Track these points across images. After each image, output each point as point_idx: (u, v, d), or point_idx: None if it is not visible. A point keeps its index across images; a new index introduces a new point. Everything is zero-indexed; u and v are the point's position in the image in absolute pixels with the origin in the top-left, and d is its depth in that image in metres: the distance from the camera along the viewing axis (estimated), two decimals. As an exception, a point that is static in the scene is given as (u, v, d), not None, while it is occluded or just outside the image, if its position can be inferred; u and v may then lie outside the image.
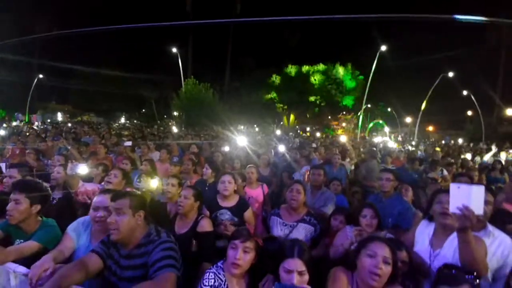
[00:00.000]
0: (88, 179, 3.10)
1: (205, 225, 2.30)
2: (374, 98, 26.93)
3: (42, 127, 13.75)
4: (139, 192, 1.79)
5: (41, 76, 28.17)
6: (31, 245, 1.71)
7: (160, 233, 1.61)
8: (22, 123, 17.05)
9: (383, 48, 21.45)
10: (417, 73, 34.07)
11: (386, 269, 1.43)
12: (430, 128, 40.24)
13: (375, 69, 21.50)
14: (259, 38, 36.58)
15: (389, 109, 36.78)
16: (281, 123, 28.17)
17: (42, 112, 30.79)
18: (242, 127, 28.31)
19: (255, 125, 29.05)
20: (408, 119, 35.33)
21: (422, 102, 25.70)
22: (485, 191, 1.82)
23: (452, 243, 1.72)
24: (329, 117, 25.04)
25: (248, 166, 3.71)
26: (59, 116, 28.55)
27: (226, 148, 6.74)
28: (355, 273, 1.53)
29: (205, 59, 33.64)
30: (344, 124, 22.96)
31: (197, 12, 31.11)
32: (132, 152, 6.13)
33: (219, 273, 1.58)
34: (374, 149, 7.08)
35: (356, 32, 36.17)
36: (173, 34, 28.92)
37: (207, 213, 2.70)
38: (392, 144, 10.61)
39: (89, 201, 2.54)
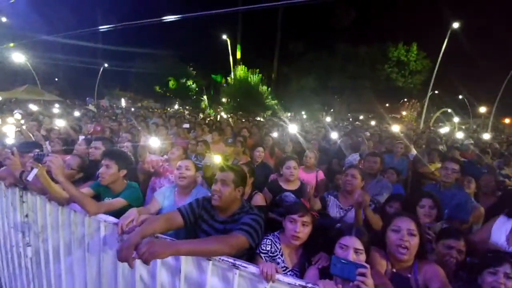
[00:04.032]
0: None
1: (258, 200, 2.48)
2: (442, 84, 23.75)
3: (110, 110, 15.80)
4: (244, 169, 1.93)
5: (106, 65, 31.91)
6: (120, 201, 2.07)
7: (252, 207, 1.80)
8: (94, 106, 19.72)
9: (455, 25, 18.62)
10: (494, 56, 28.92)
11: (413, 241, 1.46)
12: (507, 121, 34.17)
13: (444, 50, 18.87)
14: (309, 21, 34.96)
15: (460, 97, 32.23)
16: (332, 110, 26.94)
17: (109, 97, 34.99)
18: (289, 114, 28.02)
19: (303, 112, 28.43)
20: (482, 109, 30.55)
21: (499, 90, 21.87)
22: None
23: None
24: (387, 104, 22.79)
25: (308, 150, 3.76)
26: (122, 102, 32.14)
27: (275, 134, 6.89)
28: (387, 251, 1.57)
29: (254, 46, 33.73)
30: (404, 113, 20.64)
31: (247, -1, 30.94)
32: (188, 133, 6.71)
33: (275, 241, 1.70)
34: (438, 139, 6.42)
35: (422, 7, 31.96)
36: (223, 21, 29.51)
37: (270, 195, 2.83)
38: (460, 135, 9.28)
39: (152, 170, 2.94)
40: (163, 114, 12.89)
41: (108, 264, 1.91)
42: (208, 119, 13.10)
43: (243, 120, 12.49)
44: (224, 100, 28.57)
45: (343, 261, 1.32)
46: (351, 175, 2.50)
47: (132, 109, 19.90)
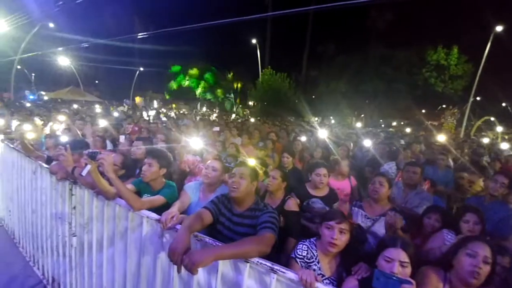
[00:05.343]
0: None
1: (291, 205, 2.46)
2: (484, 90, 21.85)
3: (144, 112, 16.68)
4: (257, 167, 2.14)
5: (141, 69, 34.30)
6: (160, 199, 2.18)
7: (266, 205, 1.89)
8: (126, 107, 20.87)
9: (499, 28, 17.11)
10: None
11: (486, 269, 1.40)
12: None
13: (487, 54, 17.37)
14: (340, 23, 34.13)
15: (503, 104, 29.52)
16: (362, 115, 25.90)
17: (143, 99, 37.28)
18: (316, 119, 27.43)
19: (331, 117, 27.72)
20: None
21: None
22: None
23: None
24: (423, 110, 21.31)
25: (340, 158, 3.71)
26: (155, 103, 34.00)
27: (303, 138, 6.81)
28: (450, 272, 1.48)
29: (283, 48, 33.69)
30: (442, 120, 19.14)
31: (276, 2, 31.01)
32: (218, 136, 6.86)
33: (312, 248, 1.68)
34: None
35: (464, 8, 29.72)
36: (252, 25, 29.86)
37: (297, 200, 2.78)
38: (505, 146, 8.47)
39: (188, 170, 3.06)
40: (193, 116, 13.35)
41: (148, 257, 2.00)
42: (236, 117, 13.31)
43: (271, 124, 12.49)
44: (251, 103, 28.82)
45: (387, 275, 1.27)
46: (378, 183, 2.41)
47: (164, 110, 20.78)
